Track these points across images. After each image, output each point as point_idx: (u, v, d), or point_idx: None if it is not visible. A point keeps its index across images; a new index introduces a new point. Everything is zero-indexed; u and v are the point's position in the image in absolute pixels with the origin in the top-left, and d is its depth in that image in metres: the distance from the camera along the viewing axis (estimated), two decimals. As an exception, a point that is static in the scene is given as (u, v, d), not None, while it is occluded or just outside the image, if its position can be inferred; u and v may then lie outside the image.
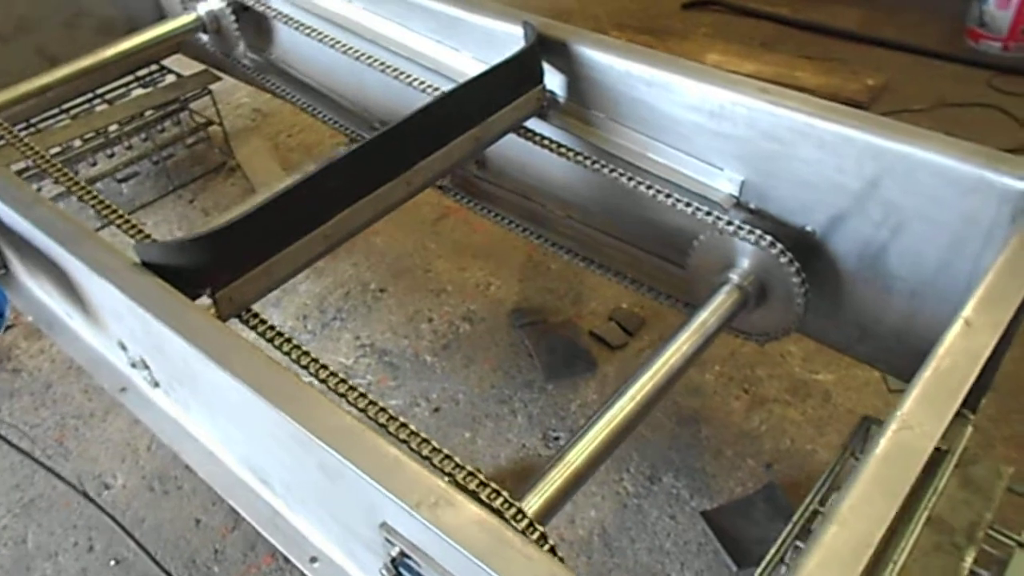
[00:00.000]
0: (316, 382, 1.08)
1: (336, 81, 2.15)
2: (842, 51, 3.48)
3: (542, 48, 1.59)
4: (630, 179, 1.51)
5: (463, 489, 0.89)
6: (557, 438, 1.94)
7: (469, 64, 1.75)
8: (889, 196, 1.32)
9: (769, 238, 1.39)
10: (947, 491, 1.24)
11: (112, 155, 2.62)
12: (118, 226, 1.35)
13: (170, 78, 2.77)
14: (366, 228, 1.41)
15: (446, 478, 0.89)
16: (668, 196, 1.47)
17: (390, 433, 0.99)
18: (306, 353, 1.13)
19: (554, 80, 1.63)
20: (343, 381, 1.08)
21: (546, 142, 1.61)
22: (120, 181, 2.74)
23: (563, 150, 1.58)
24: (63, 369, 2.19)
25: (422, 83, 1.71)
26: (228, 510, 1.81)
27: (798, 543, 1.38)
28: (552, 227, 1.86)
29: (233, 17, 2.23)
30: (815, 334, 1.59)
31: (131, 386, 1.48)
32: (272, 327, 1.19)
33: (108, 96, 2.67)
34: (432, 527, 0.80)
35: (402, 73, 1.75)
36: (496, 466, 1.88)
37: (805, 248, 1.45)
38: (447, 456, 0.96)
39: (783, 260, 1.40)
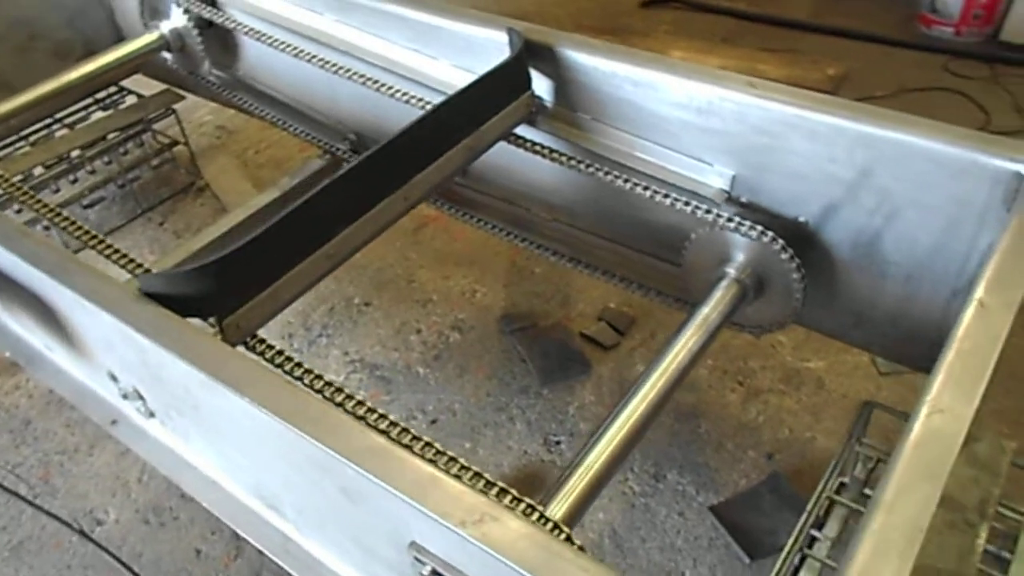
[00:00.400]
0: (332, 405, 1.06)
1: (307, 94, 2.11)
2: (801, 42, 3.55)
3: (528, 54, 1.58)
4: (625, 180, 1.51)
5: (499, 505, 0.88)
6: (558, 442, 1.93)
7: (448, 72, 1.73)
8: (881, 183, 1.34)
9: (770, 234, 1.40)
10: (955, 469, 1.26)
11: (75, 181, 2.55)
12: (107, 256, 1.31)
13: (131, 99, 2.70)
14: (366, 245, 1.39)
15: (481, 496, 0.88)
16: (665, 196, 1.48)
17: (415, 453, 0.98)
18: (319, 376, 1.10)
19: (541, 85, 1.62)
20: (361, 403, 1.06)
21: (536, 148, 1.60)
22: (86, 207, 2.66)
23: (554, 155, 1.58)
24: (42, 404, 2.11)
25: (404, 94, 1.68)
26: (229, 539, 1.77)
27: (814, 532, 1.39)
28: (537, 230, 1.86)
29: (198, 35, 2.18)
30: (810, 323, 1.61)
31: (122, 418, 1.44)
32: (280, 352, 1.16)
33: (67, 120, 2.59)
34: (480, 545, 0.79)
35: (381, 84, 1.73)
36: (500, 474, 1.86)
37: (799, 239, 1.46)
38: (477, 473, 0.95)
39: (782, 253, 1.41)
